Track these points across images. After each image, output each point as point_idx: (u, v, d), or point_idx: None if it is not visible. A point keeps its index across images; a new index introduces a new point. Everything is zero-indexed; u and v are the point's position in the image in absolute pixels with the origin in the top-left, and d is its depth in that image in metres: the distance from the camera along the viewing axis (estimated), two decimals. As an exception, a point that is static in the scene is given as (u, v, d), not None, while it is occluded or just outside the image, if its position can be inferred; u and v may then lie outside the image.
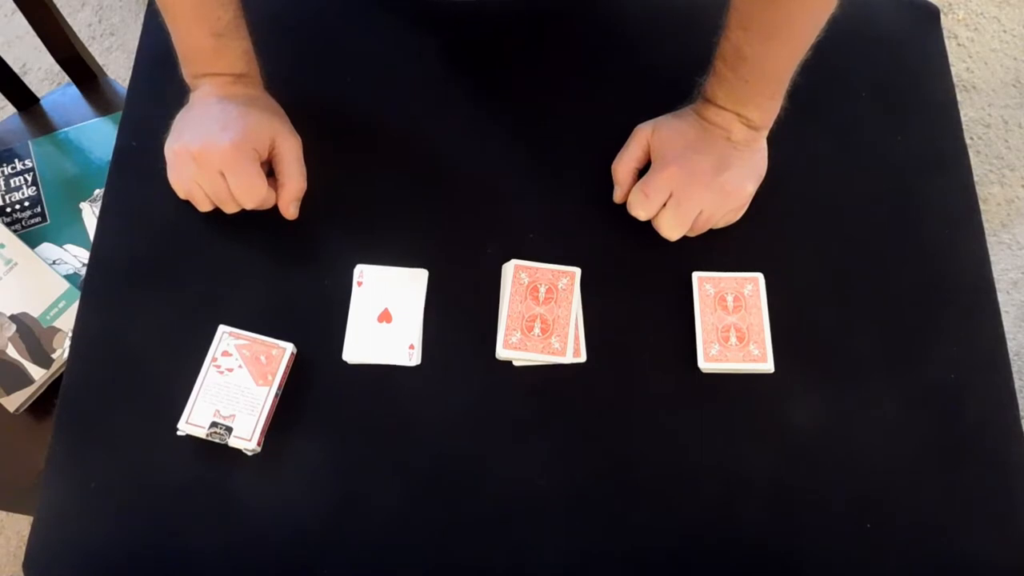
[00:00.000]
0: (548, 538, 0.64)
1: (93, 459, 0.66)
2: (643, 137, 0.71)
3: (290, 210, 0.71)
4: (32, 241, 0.94)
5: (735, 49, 0.65)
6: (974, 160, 1.47)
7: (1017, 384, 0.70)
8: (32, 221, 0.97)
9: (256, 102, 0.72)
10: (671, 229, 0.69)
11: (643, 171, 0.72)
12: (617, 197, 0.73)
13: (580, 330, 0.69)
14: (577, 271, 0.69)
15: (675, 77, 0.73)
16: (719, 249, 0.71)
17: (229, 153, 0.67)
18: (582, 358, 0.68)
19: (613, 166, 0.72)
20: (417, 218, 0.73)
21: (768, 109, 0.68)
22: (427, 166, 0.75)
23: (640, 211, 0.69)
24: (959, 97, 0.81)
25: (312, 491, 0.65)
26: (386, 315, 0.69)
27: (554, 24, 0.82)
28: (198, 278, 0.71)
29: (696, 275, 0.70)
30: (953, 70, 0.83)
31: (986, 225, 0.76)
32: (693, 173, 0.68)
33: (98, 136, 1.02)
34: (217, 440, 0.64)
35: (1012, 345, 1.40)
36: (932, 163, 0.77)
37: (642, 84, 0.78)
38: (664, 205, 0.69)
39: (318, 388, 0.67)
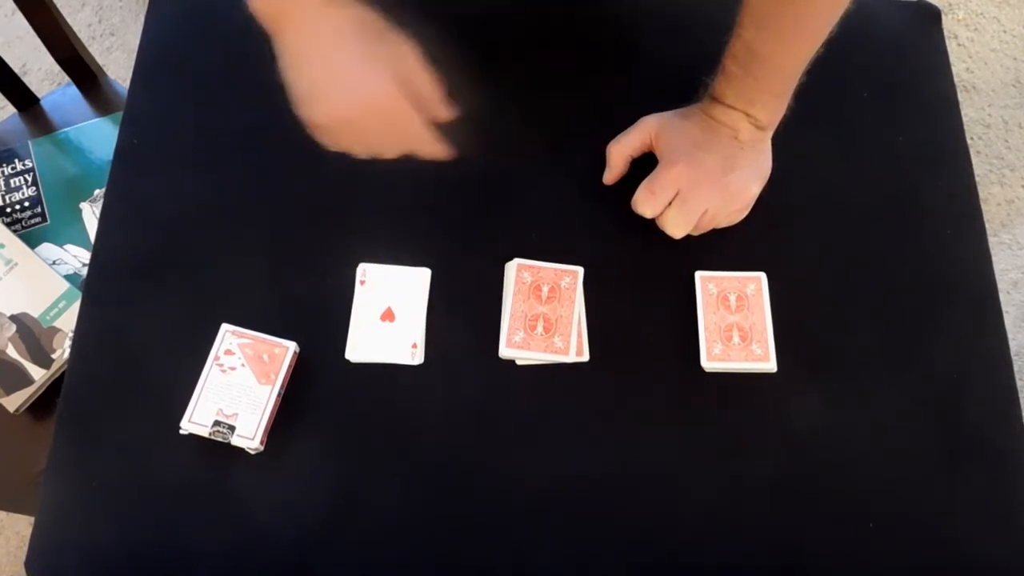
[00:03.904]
0: (550, 537, 0.64)
1: (95, 458, 0.65)
2: (646, 129, 0.72)
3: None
4: (32, 241, 0.94)
5: (748, 48, 0.65)
6: (974, 160, 1.48)
7: (1018, 384, 0.70)
8: (32, 221, 0.97)
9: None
10: (676, 227, 0.69)
11: (637, 160, 0.73)
12: (607, 179, 0.73)
13: (583, 329, 0.69)
14: (580, 270, 0.69)
15: (681, 76, 0.72)
16: (722, 248, 0.71)
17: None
18: (585, 357, 0.68)
19: (608, 147, 0.73)
20: (420, 217, 0.73)
21: (775, 109, 0.69)
22: (430, 165, 0.75)
23: (646, 209, 0.69)
24: (959, 97, 0.81)
25: (314, 489, 0.65)
26: (389, 314, 0.69)
27: (558, 23, 0.82)
28: (200, 277, 0.71)
29: (699, 274, 0.70)
30: (953, 70, 0.83)
31: (986, 225, 0.76)
32: (700, 172, 0.68)
33: (98, 136, 1.02)
34: (220, 439, 0.64)
35: (1012, 345, 1.40)
36: (933, 163, 0.77)
37: (648, 84, 0.78)
38: (669, 203, 0.69)
39: (321, 387, 0.67)
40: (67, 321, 0.89)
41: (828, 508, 0.65)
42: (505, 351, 0.67)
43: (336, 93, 0.58)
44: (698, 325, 0.68)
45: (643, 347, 0.69)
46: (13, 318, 0.88)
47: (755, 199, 0.71)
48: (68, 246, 0.95)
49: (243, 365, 0.66)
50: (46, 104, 1.07)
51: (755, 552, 0.64)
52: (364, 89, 0.57)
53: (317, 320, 0.69)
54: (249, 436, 0.64)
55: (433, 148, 0.61)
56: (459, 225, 0.73)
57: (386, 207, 0.73)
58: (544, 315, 0.68)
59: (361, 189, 0.74)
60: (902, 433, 0.67)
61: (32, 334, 0.88)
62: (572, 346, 0.67)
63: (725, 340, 0.68)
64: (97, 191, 0.98)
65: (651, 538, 0.64)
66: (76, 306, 0.84)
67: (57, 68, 1.07)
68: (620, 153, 0.72)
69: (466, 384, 0.67)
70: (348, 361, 0.68)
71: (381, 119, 0.58)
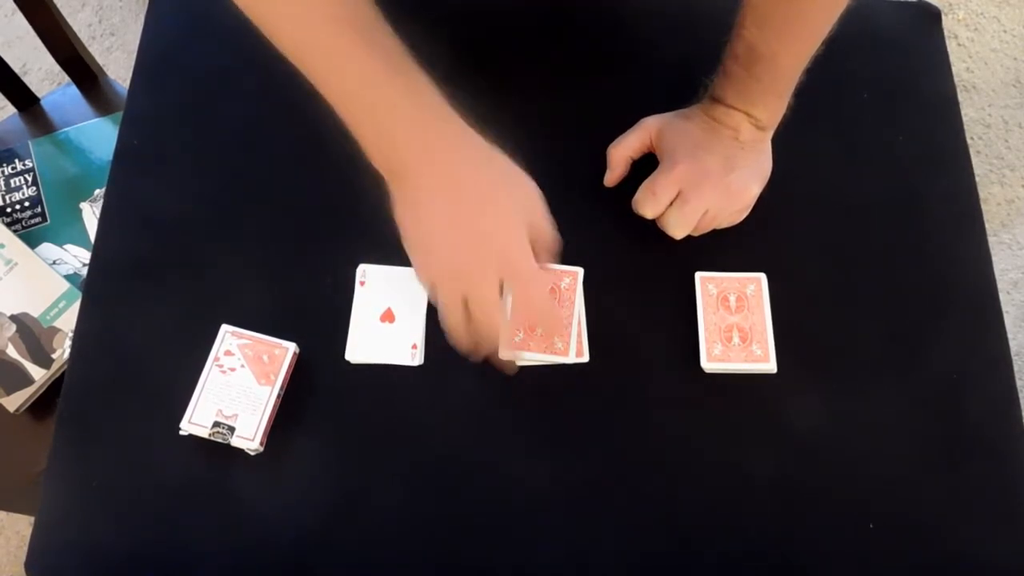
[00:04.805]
0: (549, 538, 0.64)
1: (95, 459, 0.65)
2: (647, 130, 0.72)
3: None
4: (32, 241, 0.94)
5: (749, 47, 0.65)
6: (974, 160, 1.48)
7: (1018, 384, 0.70)
8: (32, 221, 0.97)
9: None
10: (677, 228, 0.69)
11: (637, 161, 0.72)
12: (608, 181, 0.73)
13: (583, 330, 0.69)
14: (580, 271, 0.69)
15: (681, 76, 0.73)
16: (722, 249, 0.71)
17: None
18: (585, 358, 0.68)
19: (609, 149, 0.72)
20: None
21: (776, 109, 0.69)
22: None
23: (647, 209, 0.69)
24: (959, 97, 0.81)
25: (314, 490, 0.65)
26: (389, 315, 0.69)
27: (558, 24, 0.82)
28: (200, 277, 0.71)
29: (699, 275, 0.70)
30: (953, 70, 0.83)
31: (986, 225, 0.76)
32: (701, 172, 0.68)
33: (98, 136, 1.02)
34: (219, 440, 0.64)
35: (1012, 345, 1.40)
36: (933, 163, 0.77)
37: (648, 84, 0.78)
38: (670, 204, 0.69)
39: (320, 388, 0.67)
40: (67, 321, 0.89)
41: (828, 508, 0.65)
42: (505, 352, 0.67)
43: (457, 244, 0.57)
44: (698, 326, 0.68)
45: (643, 348, 0.69)
46: (13, 318, 0.89)
47: (755, 199, 0.71)
48: (68, 246, 0.96)
49: (243, 366, 0.66)
50: (46, 104, 1.07)
51: (755, 552, 0.64)
52: (488, 244, 0.56)
53: (317, 321, 0.69)
54: (249, 437, 0.64)
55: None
56: (459, 225, 0.73)
57: (386, 207, 0.73)
58: (544, 315, 0.68)
59: (361, 189, 0.74)
60: (902, 433, 0.67)
61: (32, 334, 0.88)
62: (572, 347, 0.67)
63: (725, 341, 0.68)
64: (97, 191, 0.98)
65: (651, 538, 0.64)
66: (76, 306, 0.84)
67: (57, 68, 1.07)
68: (621, 155, 0.72)
69: (466, 385, 0.67)
70: (348, 362, 0.68)
71: (504, 274, 0.57)
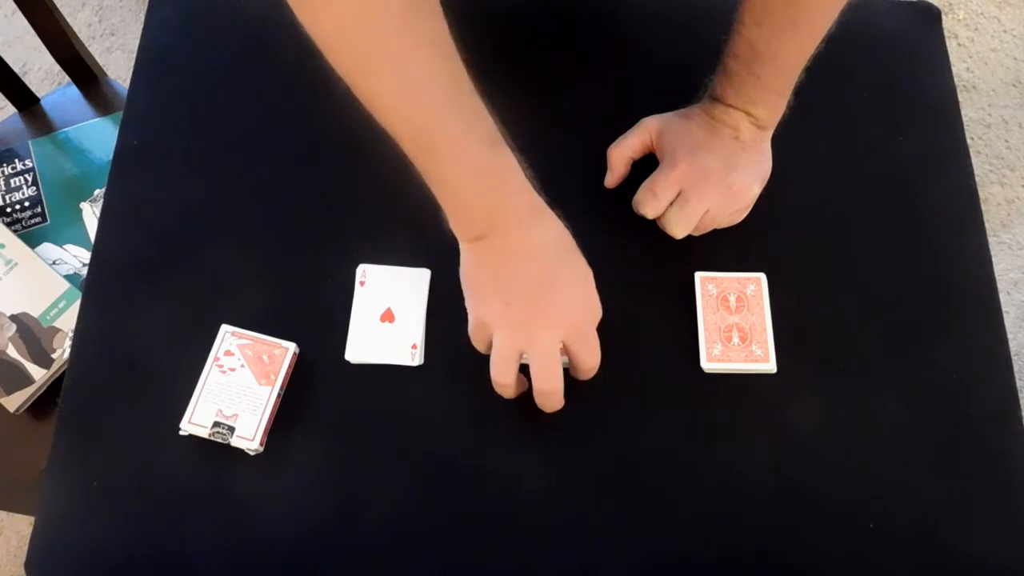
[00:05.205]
0: (550, 538, 0.64)
1: (95, 459, 0.65)
2: (647, 131, 0.72)
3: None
4: (32, 241, 0.94)
5: (748, 45, 0.65)
6: (974, 160, 1.48)
7: (1018, 384, 0.70)
8: (32, 221, 0.97)
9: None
10: (677, 228, 0.69)
11: (637, 161, 0.72)
12: (608, 182, 0.73)
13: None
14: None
15: (681, 77, 0.72)
16: (722, 249, 0.71)
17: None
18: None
19: (609, 150, 0.72)
20: (420, 217, 0.73)
21: (776, 108, 0.69)
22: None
23: (647, 209, 0.69)
24: (959, 97, 0.81)
25: (314, 491, 0.65)
26: (388, 315, 0.69)
27: (557, 24, 0.82)
28: (200, 277, 0.71)
29: (699, 275, 0.70)
30: (953, 70, 0.83)
31: (986, 225, 0.76)
32: (702, 172, 0.68)
33: (98, 136, 1.02)
34: (219, 440, 0.64)
35: (1012, 345, 1.40)
36: (933, 163, 0.77)
37: (648, 84, 0.78)
38: (671, 204, 0.69)
39: (320, 388, 0.67)
40: (67, 321, 0.89)
41: (828, 508, 0.65)
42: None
43: (532, 301, 0.61)
44: (698, 326, 0.68)
45: (643, 347, 0.69)
46: (13, 318, 0.89)
47: (756, 199, 0.71)
48: (68, 246, 0.96)
49: (243, 366, 0.66)
50: (46, 104, 1.07)
51: (755, 552, 0.64)
52: (551, 306, 0.61)
53: (317, 321, 0.69)
54: (249, 437, 0.64)
55: (588, 376, 0.65)
56: (459, 225, 0.73)
57: (386, 208, 0.73)
58: (544, 315, 0.68)
59: (361, 189, 0.74)
60: (902, 433, 0.67)
61: (32, 334, 0.88)
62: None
63: (725, 341, 0.68)
64: (97, 191, 0.98)
65: (651, 538, 0.64)
66: (76, 306, 0.84)
67: (57, 68, 1.07)
68: (621, 155, 0.72)
69: (466, 385, 0.67)
70: (348, 362, 0.68)
71: (565, 335, 0.61)
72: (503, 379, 0.62)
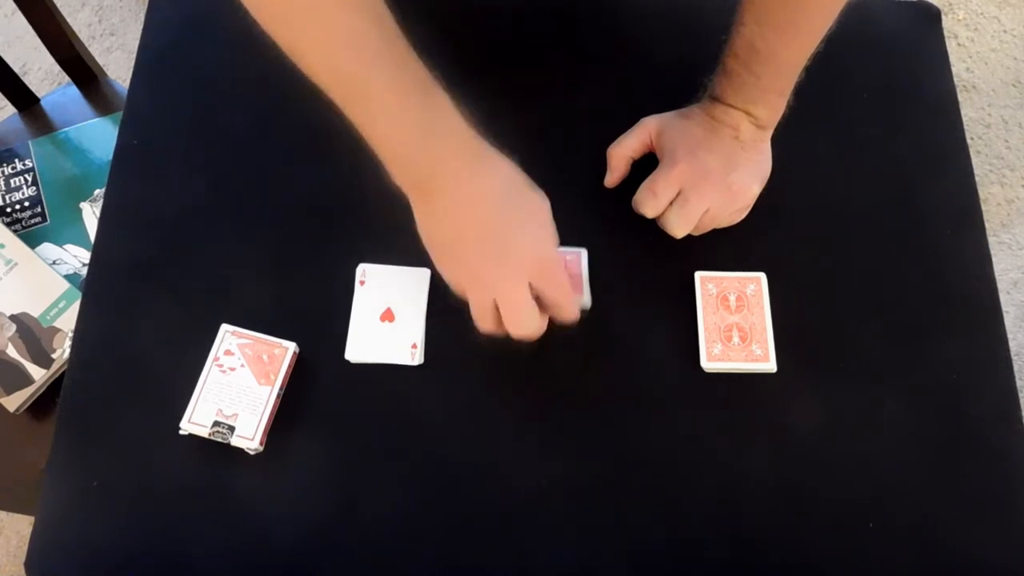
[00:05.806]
0: (550, 538, 0.64)
1: (95, 458, 0.65)
2: (646, 130, 0.71)
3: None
4: (32, 241, 0.94)
5: (749, 44, 0.65)
6: (974, 160, 1.48)
7: (1018, 384, 0.70)
8: (32, 221, 0.97)
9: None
10: (677, 227, 0.69)
11: (637, 161, 0.72)
12: (608, 182, 0.73)
13: (582, 330, 0.69)
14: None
15: (681, 77, 0.72)
16: (722, 249, 0.71)
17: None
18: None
19: (609, 150, 0.72)
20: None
21: (776, 107, 0.69)
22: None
23: (647, 209, 0.69)
24: (959, 97, 0.81)
25: (314, 490, 0.65)
26: (388, 314, 0.69)
27: (557, 23, 0.82)
28: (200, 277, 0.71)
29: (699, 275, 0.70)
30: (953, 70, 0.83)
31: (986, 225, 0.76)
32: (702, 172, 0.68)
33: (98, 136, 1.02)
34: (219, 439, 0.64)
35: (1012, 345, 1.40)
36: (933, 163, 0.77)
37: (647, 84, 0.78)
38: (671, 203, 0.69)
39: (320, 387, 0.67)
40: (67, 321, 0.89)
41: (828, 508, 0.65)
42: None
43: (485, 254, 0.59)
44: (698, 325, 0.68)
45: (642, 347, 0.69)
46: (13, 318, 0.89)
47: (756, 199, 0.71)
48: (68, 246, 0.96)
49: (243, 365, 0.66)
50: (46, 104, 1.07)
51: (755, 552, 0.64)
52: (515, 245, 0.59)
53: (317, 320, 0.69)
54: (249, 436, 0.64)
55: (571, 314, 0.63)
56: (459, 225, 0.73)
57: (385, 207, 0.73)
58: (544, 315, 0.68)
59: (361, 189, 0.74)
60: (902, 433, 0.67)
61: (32, 334, 0.88)
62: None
63: (725, 340, 0.68)
64: (97, 191, 0.98)
65: (651, 538, 0.64)
66: (76, 306, 0.84)
67: (57, 68, 1.07)
68: (621, 155, 0.72)
69: (466, 384, 0.67)
70: (348, 361, 0.68)
71: (533, 276, 0.60)
72: (491, 329, 0.61)
